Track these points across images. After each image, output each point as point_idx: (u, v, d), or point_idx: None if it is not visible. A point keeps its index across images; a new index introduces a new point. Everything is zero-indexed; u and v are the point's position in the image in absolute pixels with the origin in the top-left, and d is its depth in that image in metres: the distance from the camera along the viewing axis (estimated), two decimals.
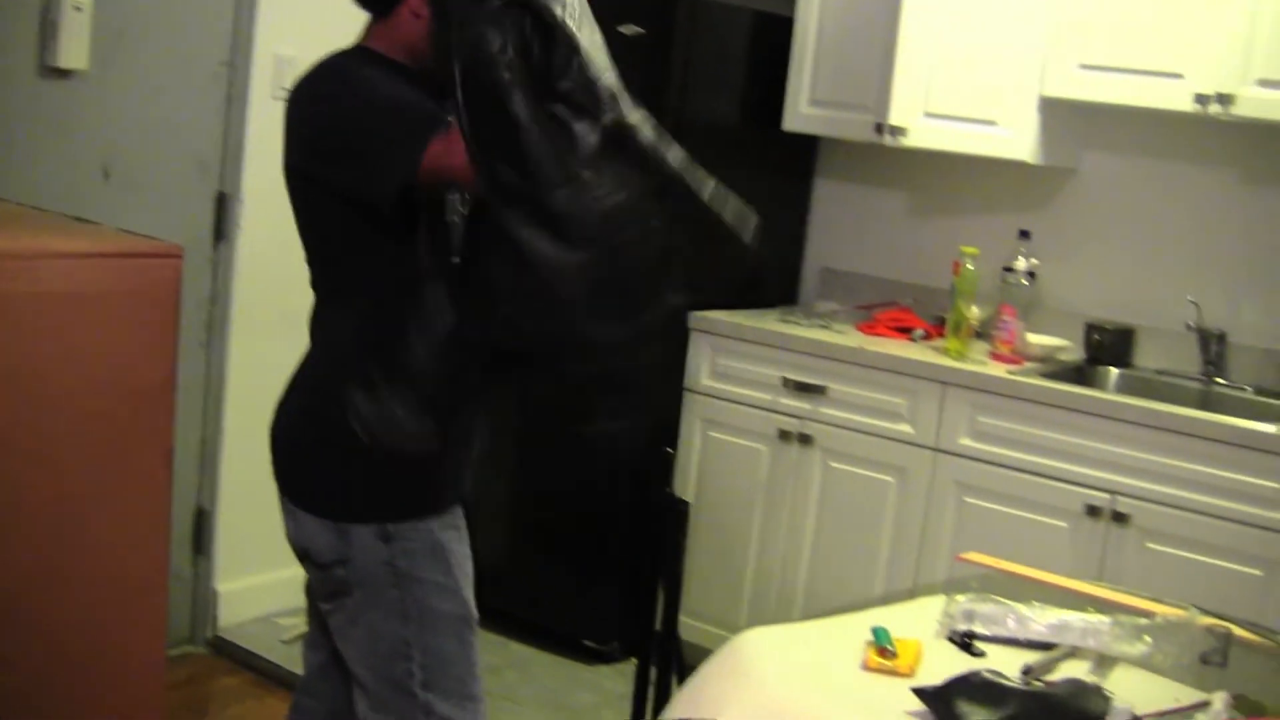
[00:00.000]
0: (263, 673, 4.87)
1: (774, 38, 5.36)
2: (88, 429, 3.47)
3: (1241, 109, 4.37)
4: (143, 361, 3.63)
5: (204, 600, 5.08)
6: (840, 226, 5.76)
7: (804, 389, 4.91)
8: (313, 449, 2.88)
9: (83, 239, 3.51)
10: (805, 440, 4.90)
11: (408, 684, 2.83)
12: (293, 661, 4.81)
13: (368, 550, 2.81)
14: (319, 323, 2.94)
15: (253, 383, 4.92)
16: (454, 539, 2.91)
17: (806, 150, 5.74)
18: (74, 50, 4.38)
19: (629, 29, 4.95)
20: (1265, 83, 4.33)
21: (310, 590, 3.03)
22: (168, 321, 3.68)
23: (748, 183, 5.50)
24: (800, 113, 5.34)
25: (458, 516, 2.94)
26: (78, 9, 4.34)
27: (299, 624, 5.01)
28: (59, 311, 3.25)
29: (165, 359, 3.73)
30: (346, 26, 5.21)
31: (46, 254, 3.28)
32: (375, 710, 2.87)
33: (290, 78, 4.91)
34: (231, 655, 4.99)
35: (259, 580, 5.16)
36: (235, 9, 4.86)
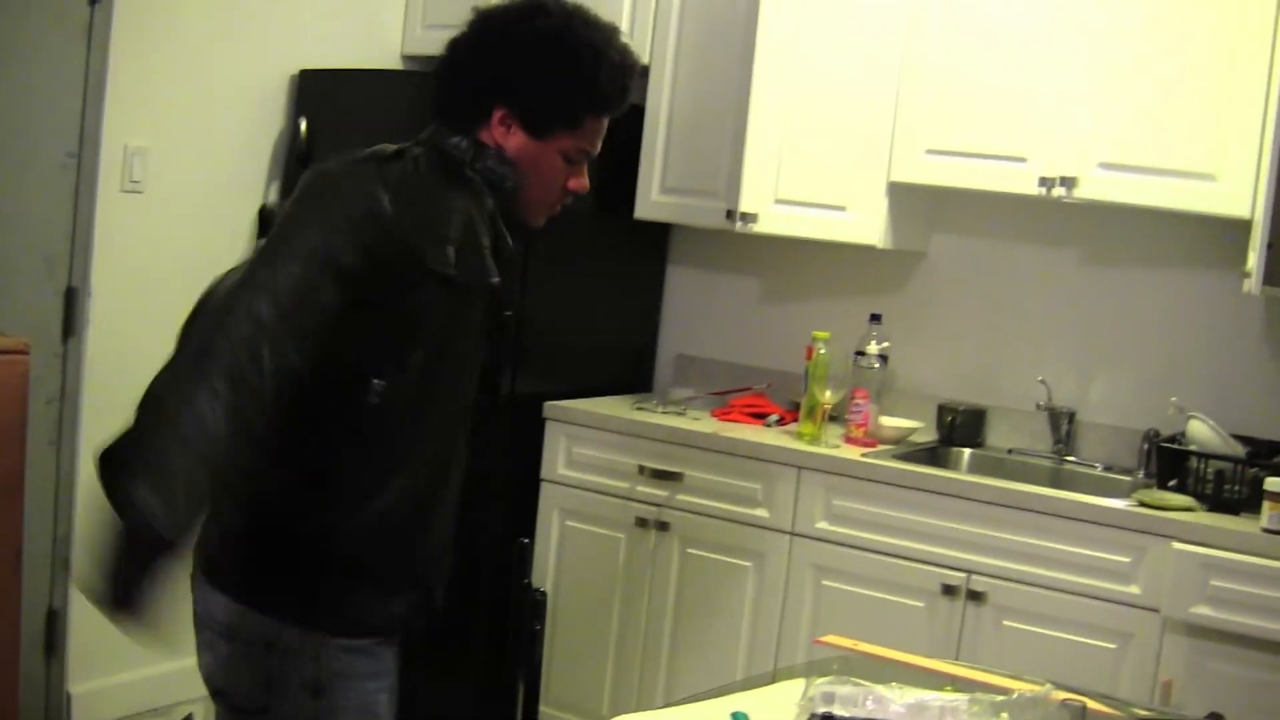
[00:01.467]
0: None
1: (624, 126, 5.36)
2: None
3: (1084, 191, 4.46)
4: None
5: (56, 703, 4.96)
6: (693, 313, 5.79)
7: (660, 476, 4.91)
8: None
9: None
10: (663, 527, 4.90)
11: None
12: None
13: (294, 703, 2.64)
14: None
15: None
16: (384, 703, 2.78)
17: (658, 237, 5.77)
18: None
19: None
20: (1107, 165, 4.42)
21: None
22: (15, 419, 3.63)
23: (600, 270, 5.57)
24: (651, 200, 5.37)
25: (393, 673, 2.85)
26: None
27: None
28: None
29: (13, 457, 3.67)
30: (198, 117, 5.21)
31: None
32: None
33: (140, 169, 4.91)
34: None
35: (113, 681, 5.05)
36: (82, 99, 4.78)
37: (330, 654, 2.63)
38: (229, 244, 5.32)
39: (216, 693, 2.70)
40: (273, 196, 5.45)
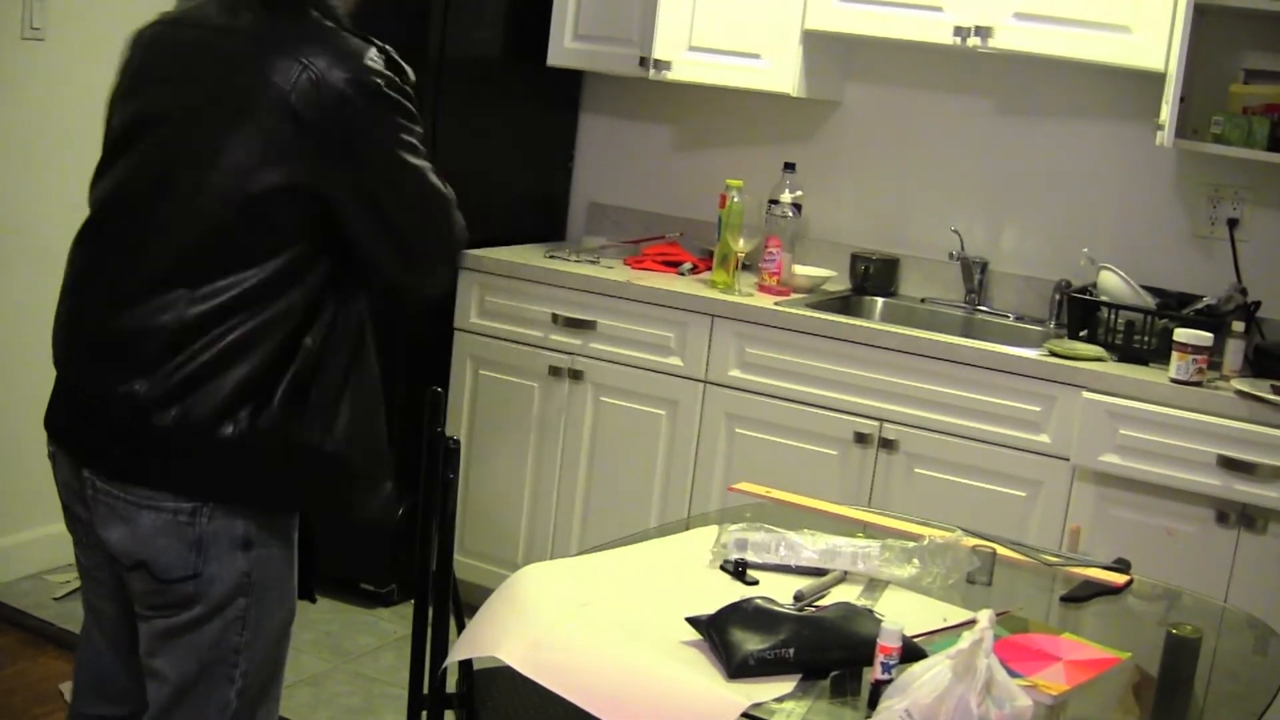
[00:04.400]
0: (36, 631, 4.73)
1: None
2: None
3: (999, 41, 4.44)
4: None
5: None
6: (607, 161, 5.76)
7: (573, 325, 4.90)
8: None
9: None
10: (576, 376, 4.90)
11: (224, 690, 2.65)
12: (66, 619, 4.71)
13: (225, 561, 2.59)
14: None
15: (5, 329, 4.79)
16: (295, 539, 2.77)
17: (571, 85, 5.72)
18: None
19: None
20: (1022, 16, 4.41)
21: (91, 582, 2.81)
22: None
23: (512, 118, 5.52)
24: (564, 47, 5.30)
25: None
26: None
27: (71, 579, 4.90)
28: None
29: None
30: None
31: None
32: (175, 706, 2.66)
33: (40, 16, 4.77)
34: (2, 615, 4.86)
35: (27, 536, 5.03)
36: None
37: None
38: None
39: (136, 565, 2.60)
40: None
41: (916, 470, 4.36)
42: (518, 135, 5.52)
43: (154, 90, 2.62)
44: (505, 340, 5.04)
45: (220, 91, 2.52)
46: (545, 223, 5.74)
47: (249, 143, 2.46)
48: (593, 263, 5.09)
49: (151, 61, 2.66)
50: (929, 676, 2.06)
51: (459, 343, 5.14)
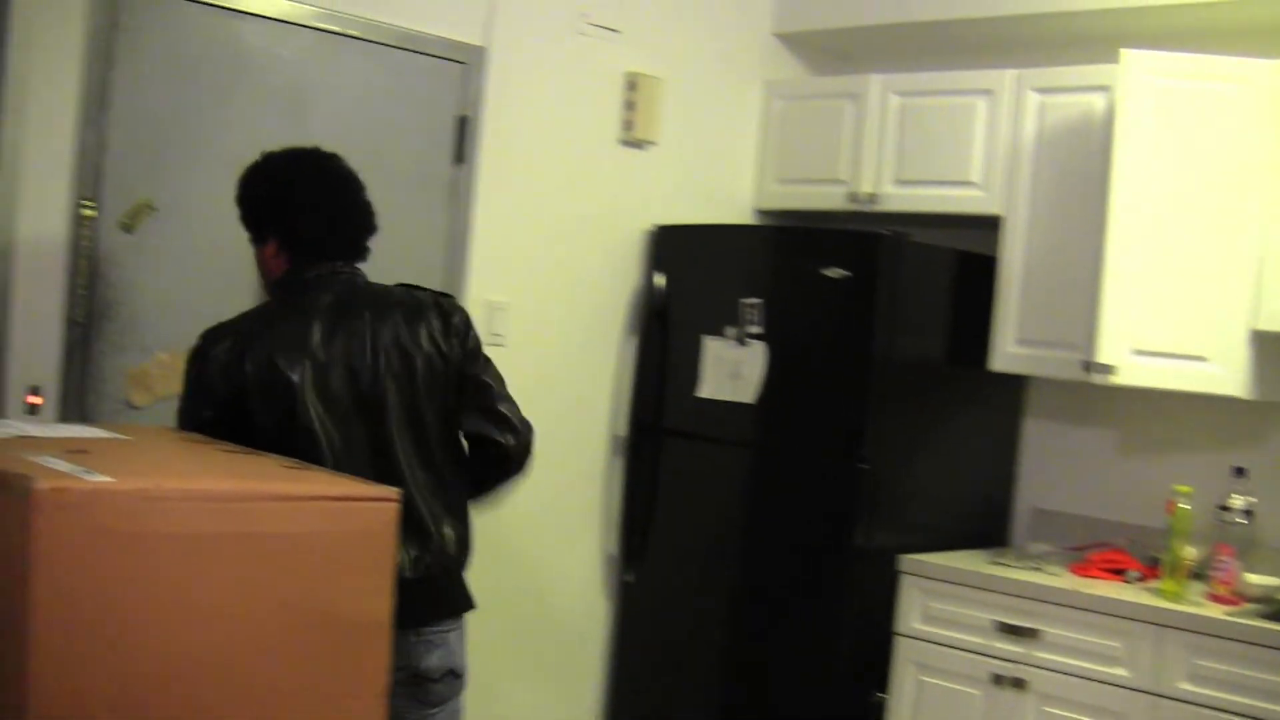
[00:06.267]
0: None
1: (978, 277, 5.36)
2: (299, 670, 3.50)
3: None
4: (357, 602, 3.67)
5: None
6: (1051, 466, 5.70)
7: (1016, 632, 4.83)
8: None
9: (298, 482, 3.58)
10: (1019, 684, 4.81)
11: None
12: None
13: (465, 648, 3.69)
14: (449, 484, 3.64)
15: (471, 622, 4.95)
16: None
17: (1015, 389, 5.71)
18: None
19: (834, 272, 5.01)
20: None
21: None
22: (383, 563, 3.73)
23: (955, 422, 5.53)
24: (1007, 352, 5.32)
25: None
26: None
27: None
28: (274, 552, 3.31)
29: (380, 600, 3.76)
30: (555, 272, 5.35)
31: (263, 496, 3.34)
32: None
33: (502, 323, 5.03)
34: None
35: None
36: (446, 256, 5.03)
37: None
38: (591, 397, 5.43)
39: (451, 673, 3.58)
40: (630, 350, 5.57)
41: None
42: (960, 439, 5.53)
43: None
44: (947, 646, 4.99)
45: None
46: (988, 528, 5.70)
47: None
48: (1036, 569, 5.03)
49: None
50: None
51: (900, 648, 5.11)
